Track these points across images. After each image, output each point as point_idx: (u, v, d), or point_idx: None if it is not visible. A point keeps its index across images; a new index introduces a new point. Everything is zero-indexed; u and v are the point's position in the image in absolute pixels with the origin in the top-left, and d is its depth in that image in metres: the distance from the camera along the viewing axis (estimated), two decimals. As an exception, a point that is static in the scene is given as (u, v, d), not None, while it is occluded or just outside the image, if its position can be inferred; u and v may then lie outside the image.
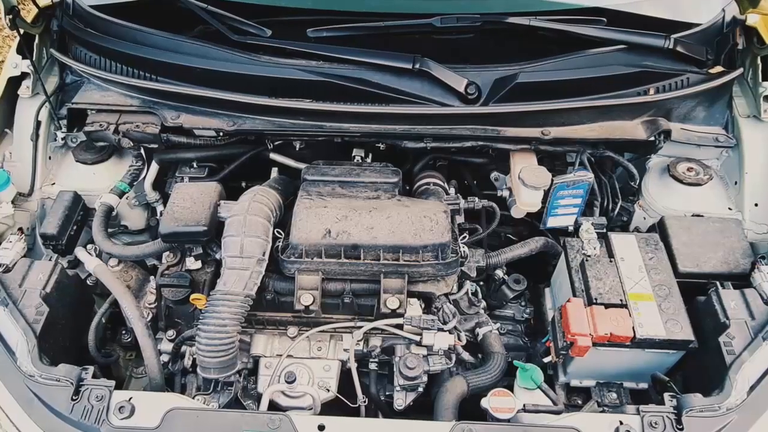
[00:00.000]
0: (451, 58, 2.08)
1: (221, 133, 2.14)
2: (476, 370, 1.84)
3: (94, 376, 1.61)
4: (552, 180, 2.05)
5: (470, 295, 2.06)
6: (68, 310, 1.89)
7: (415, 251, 1.81)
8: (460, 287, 2.02)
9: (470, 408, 1.75)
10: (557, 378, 1.92)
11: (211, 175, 2.24)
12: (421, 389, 1.86)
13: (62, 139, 2.28)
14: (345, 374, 1.88)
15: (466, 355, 1.92)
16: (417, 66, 2.01)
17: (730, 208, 2.14)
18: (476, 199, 2.11)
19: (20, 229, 2.09)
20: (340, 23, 2.15)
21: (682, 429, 1.52)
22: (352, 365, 1.83)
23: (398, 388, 1.85)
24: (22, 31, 2.18)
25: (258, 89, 2.07)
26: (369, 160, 2.25)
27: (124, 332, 2.07)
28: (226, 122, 2.07)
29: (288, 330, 1.92)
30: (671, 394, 1.63)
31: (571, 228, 2.17)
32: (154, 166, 2.23)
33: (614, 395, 1.85)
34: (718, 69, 2.21)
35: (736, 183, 2.18)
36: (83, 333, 1.97)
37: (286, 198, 2.04)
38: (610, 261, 1.91)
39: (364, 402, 1.82)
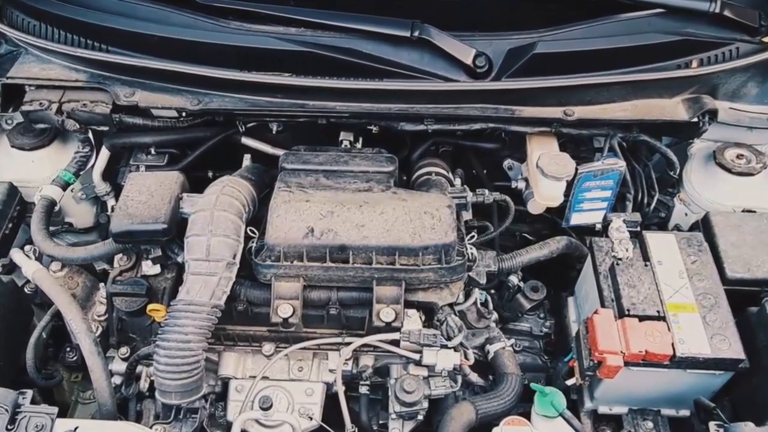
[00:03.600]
0: (457, 24, 2.08)
1: (184, 114, 2.14)
2: (486, 395, 1.84)
3: (33, 402, 1.58)
4: (576, 169, 2.06)
5: (479, 305, 2.05)
6: (2, 323, 1.89)
7: (414, 253, 1.80)
8: (467, 296, 2.02)
9: (479, 439, 1.76)
10: (582, 404, 1.92)
11: (172, 164, 2.24)
12: (420, 417, 1.87)
13: (-5, 121, 2.30)
14: (331, 399, 1.87)
15: (474, 377, 1.92)
16: (416, 34, 2.01)
17: (787, 203, 2.16)
18: (486, 191, 2.10)
19: (-54, 227, 2.09)
20: (326, -18, 2.18)
21: (729, 463, 1.53)
22: (339, 388, 1.82)
23: (394, 416, 1.86)
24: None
25: (228, 61, 2.06)
26: (359, 145, 2.25)
27: (68, 349, 2.07)
28: (190, 100, 2.07)
29: (263, 347, 1.93)
30: (718, 423, 1.64)
31: (599, 226, 2.18)
32: (105, 153, 2.23)
33: (650, 424, 1.85)
34: (774, 38, 2.25)
35: (794, 172, 2.21)
36: (21, 350, 1.96)
37: (261, 190, 2.03)
38: (646, 265, 1.90)
39: (354, 432, 1.84)
